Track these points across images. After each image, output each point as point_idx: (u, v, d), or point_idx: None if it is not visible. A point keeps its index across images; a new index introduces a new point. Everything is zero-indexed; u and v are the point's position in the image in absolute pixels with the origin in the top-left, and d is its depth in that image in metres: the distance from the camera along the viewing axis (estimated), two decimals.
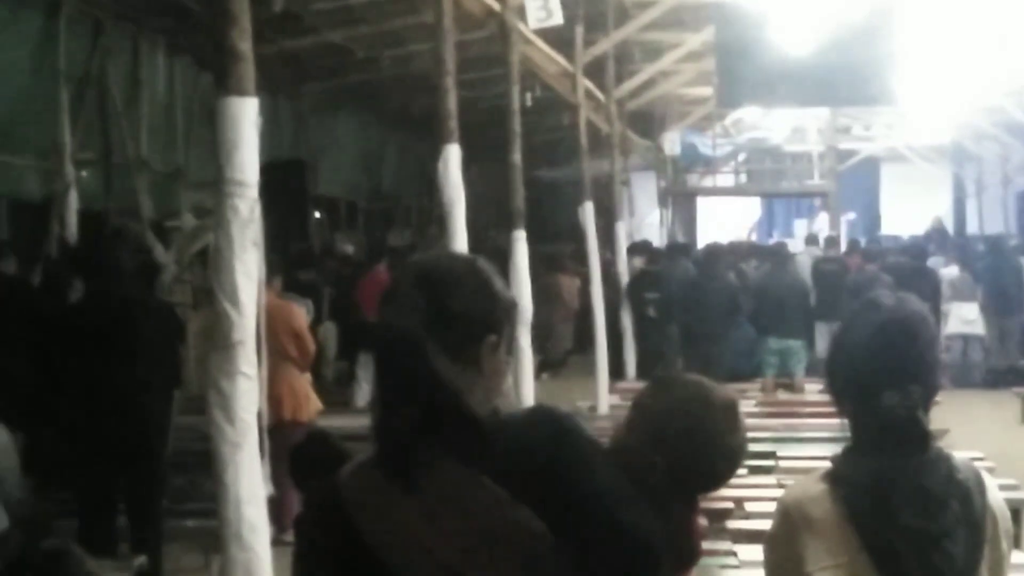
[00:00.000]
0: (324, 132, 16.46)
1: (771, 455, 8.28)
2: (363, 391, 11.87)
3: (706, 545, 2.87)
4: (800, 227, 26.99)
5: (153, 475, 6.84)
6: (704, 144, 23.40)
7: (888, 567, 2.34)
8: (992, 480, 2.49)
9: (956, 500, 2.37)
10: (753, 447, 6.98)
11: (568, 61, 12.20)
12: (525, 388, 8.47)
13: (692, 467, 2.52)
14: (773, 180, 26.95)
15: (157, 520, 6.87)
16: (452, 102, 7.23)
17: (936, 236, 22.57)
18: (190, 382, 8.32)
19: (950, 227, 25.69)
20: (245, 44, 4.15)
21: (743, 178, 27.49)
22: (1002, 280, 16.76)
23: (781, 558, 2.46)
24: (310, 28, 13.06)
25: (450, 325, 2.10)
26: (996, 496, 2.46)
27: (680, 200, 25.03)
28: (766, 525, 2.58)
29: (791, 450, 8.62)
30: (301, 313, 9.00)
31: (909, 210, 27.66)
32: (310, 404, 8.56)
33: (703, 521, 2.64)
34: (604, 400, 11.65)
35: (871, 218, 30.28)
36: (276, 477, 5.74)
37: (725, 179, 27.30)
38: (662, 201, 23.40)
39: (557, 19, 10.15)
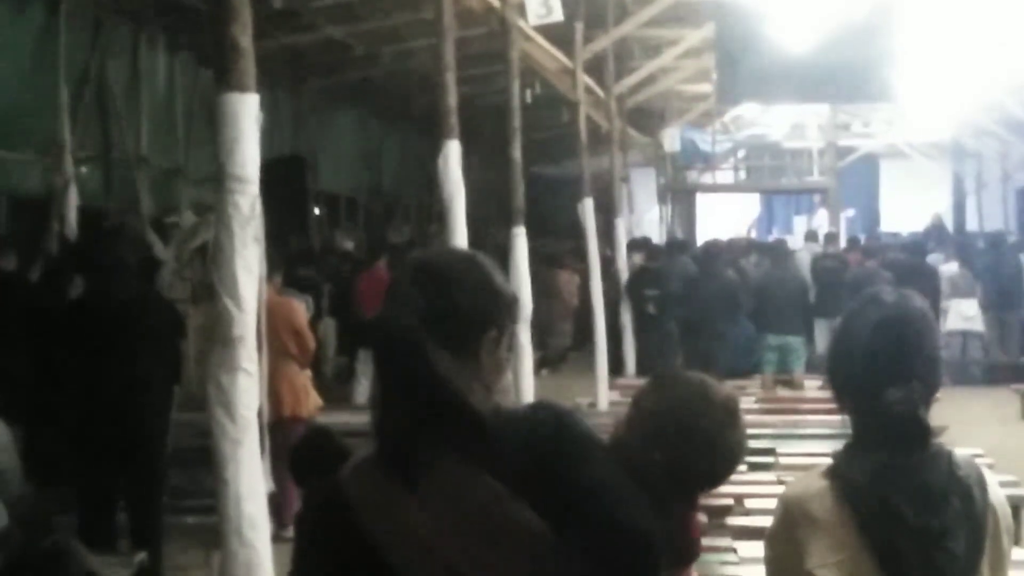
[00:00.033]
0: (324, 128, 16.46)
1: (771, 452, 8.28)
2: (363, 387, 11.87)
3: (706, 542, 2.88)
4: (799, 224, 26.97)
5: (153, 471, 6.85)
6: (704, 141, 23.39)
7: (889, 564, 2.34)
8: (993, 477, 2.49)
9: (957, 497, 2.37)
10: (753, 444, 6.99)
11: (568, 58, 12.20)
12: (525, 385, 8.48)
13: (692, 464, 2.52)
14: (773, 176, 26.94)
15: (157, 516, 6.87)
16: (452, 98, 7.23)
17: (935, 233, 22.60)
18: (189, 378, 8.33)
19: (949, 224, 25.68)
20: (246, 40, 4.15)
21: (743, 175, 27.48)
22: (1001, 277, 16.77)
23: (782, 555, 2.46)
24: (310, 24, 13.07)
25: (450, 320, 2.09)
26: (997, 493, 2.46)
27: (680, 197, 25.04)
28: (766, 522, 2.58)
29: (791, 447, 8.62)
30: (301, 309, 9.01)
31: (909, 207, 27.65)
32: (310, 400, 8.57)
33: (703, 518, 2.64)
34: (604, 397, 11.65)
35: (871, 215, 30.26)
36: (276, 473, 5.76)
37: (725, 176, 27.29)
38: (662, 198, 23.41)
39: (557, 16, 10.16)
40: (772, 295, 13.03)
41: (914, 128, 23.90)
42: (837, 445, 2.51)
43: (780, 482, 7.07)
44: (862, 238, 20.21)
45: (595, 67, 14.03)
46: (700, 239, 22.19)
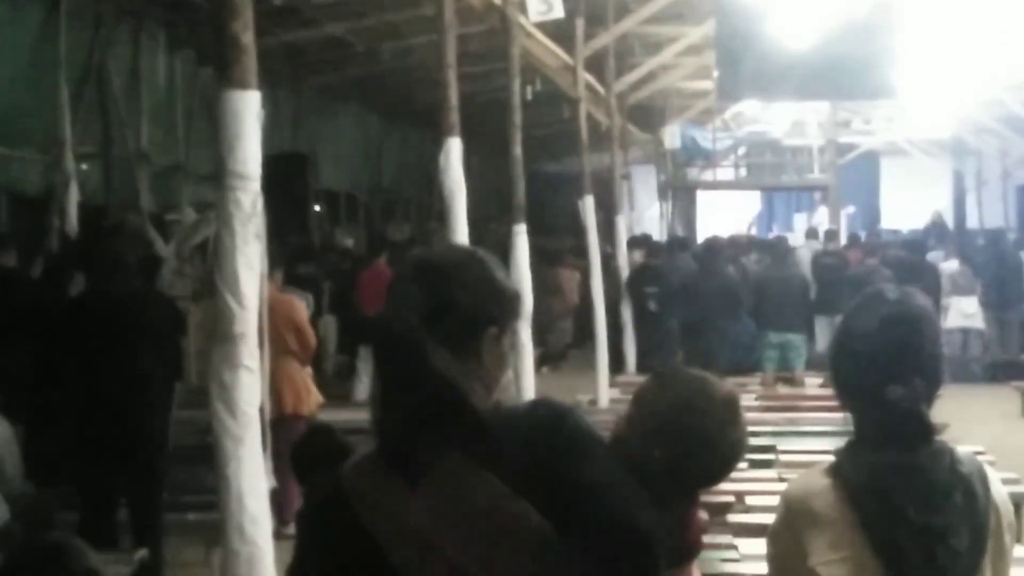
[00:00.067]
0: (324, 126, 16.44)
1: (771, 449, 8.28)
2: (363, 385, 11.88)
3: (707, 539, 2.87)
4: (800, 221, 26.96)
5: (154, 469, 6.85)
6: (704, 138, 23.39)
7: (892, 561, 2.34)
8: (995, 474, 2.49)
9: (959, 494, 2.37)
10: (753, 441, 6.99)
11: (568, 55, 12.20)
12: (525, 382, 8.47)
13: (692, 461, 2.52)
14: (773, 174, 26.95)
15: (158, 514, 6.87)
16: (453, 95, 7.22)
17: (936, 230, 22.60)
18: (190, 375, 8.34)
19: (950, 221, 25.69)
20: (247, 37, 4.15)
21: (743, 172, 27.48)
22: (1002, 274, 16.79)
23: (784, 552, 2.46)
24: (310, 21, 13.06)
25: (450, 318, 2.09)
26: (999, 490, 2.46)
27: (680, 194, 25.04)
28: (767, 519, 2.59)
29: (791, 444, 8.62)
30: (302, 307, 9.01)
31: (909, 204, 27.65)
32: (311, 398, 8.58)
33: (704, 515, 2.64)
34: (604, 394, 11.66)
35: (871, 212, 30.26)
36: (278, 470, 5.76)
37: (725, 173, 27.29)
38: (662, 195, 23.41)
39: (558, 13, 10.16)
40: (773, 292, 13.04)
41: (914, 125, 23.90)
42: (838, 442, 2.51)
43: (781, 479, 7.07)
44: (862, 235, 20.21)
45: (596, 64, 14.03)
46: (701, 236, 22.20)
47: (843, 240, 18.22)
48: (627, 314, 13.70)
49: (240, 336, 4.10)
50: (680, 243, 16.47)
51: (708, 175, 26.67)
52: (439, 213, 8.62)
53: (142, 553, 6.20)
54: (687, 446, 2.50)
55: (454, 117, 7.21)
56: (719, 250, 14.47)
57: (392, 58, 14.92)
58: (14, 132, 9.89)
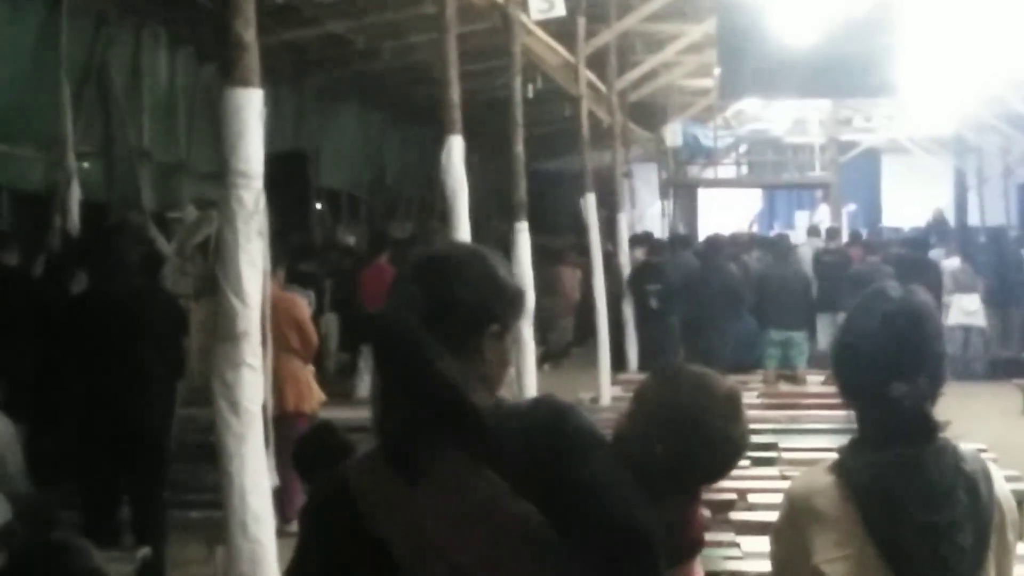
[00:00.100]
0: (325, 124, 16.43)
1: (773, 446, 8.27)
2: (365, 382, 11.88)
3: (709, 536, 2.88)
4: (801, 219, 26.95)
5: (156, 467, 6.84)
6: (706, 136, 23.39)
7: (896, 559, 2.34)
8: (999, 471, 2.49)
9: (963, 491, 2.37)
10: (755, 438, 6.96)
11: (570, 52, 12.19)
12: (527, 380, 8.47)
13: (694, 459, 2.52)
14: (774, 172, 26.94)
15: (160, 512, 6.87)
16: (455, 93, 7.22)
17: (937, 228, 22.60)
18: (192, 373, 8.33)
19: (951, 219, 25.69)
20: (250, 35, 4.16)
21: (744, 170, 27.48)
22: (1003, 272, 16.80)
23: (788, 550, 2.46)
24: (312, 19, 13.06)
25: (451, 316, 2.09)
26: (1003, 487, 2.46)
27: (681, 192, 25.04)
28: (769, 516, 2.59)
29: (793, 441, 8.62)
30: (304, 304, 9.01)
31: (910, 202, 27.65)
32: (313, 395, 8.58)
33: (706, 512, 2.64)
34: (606, 392, 11.65)
35: (872, 210, 30.25)
36: (280, 468, 5.76)
37: (726, 171, 27.30)
38: (663, 193, 23.40)
39: (559, 11, 10.15)
40: (774, 290, 13.04)
41: (915, 123, 23.89)
42: (840, 440, 2.51)
43: (783, 477, 7.07)
44: (864, 233, 20.19)
45: (597, 62, 14.02)
46: (702, 234, 22.19)
47: (844, 238, 18.21)
48: (629, 312, 13.70)
49: (243, 334, 4.10)
50: (682, 241, 16.45)
51: (709, 173, 26.67)
52: (441, 211, 8.62)
53: (144, 551, 6.20)
54: (689, 443, 2.50)
55: (456, 115, 7.20)
56: (721, 248, 14.47)
57: (394, 56, 14.91)
58: (15, 130, 9.88)
